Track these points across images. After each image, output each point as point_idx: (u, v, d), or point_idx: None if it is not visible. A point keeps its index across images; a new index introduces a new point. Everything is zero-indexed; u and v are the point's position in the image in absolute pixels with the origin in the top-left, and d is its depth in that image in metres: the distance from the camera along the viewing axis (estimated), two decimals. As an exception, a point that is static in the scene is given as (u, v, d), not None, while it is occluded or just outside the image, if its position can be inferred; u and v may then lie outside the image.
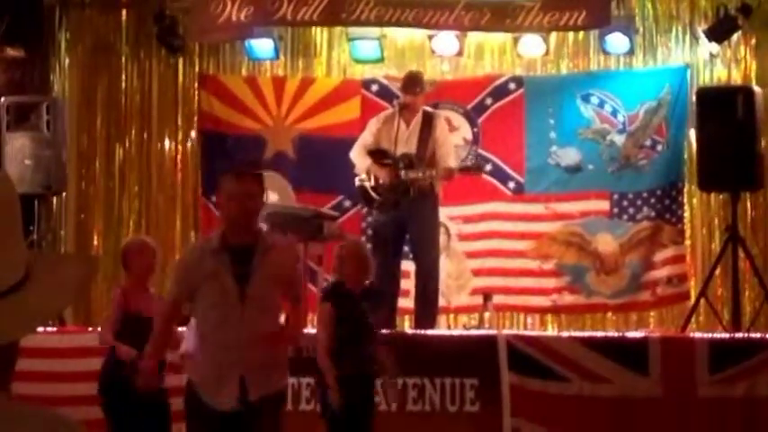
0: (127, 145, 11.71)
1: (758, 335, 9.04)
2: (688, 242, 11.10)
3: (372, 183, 9.54)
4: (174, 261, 11.20)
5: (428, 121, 9.59)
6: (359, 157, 9.64)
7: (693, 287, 10.82)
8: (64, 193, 11.30)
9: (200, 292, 6.04)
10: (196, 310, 6.25)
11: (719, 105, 9.99)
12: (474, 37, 11.40)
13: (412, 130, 9.54)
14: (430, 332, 9.12)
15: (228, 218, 6.11)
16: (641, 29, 11.30)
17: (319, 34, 11.70)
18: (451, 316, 10.99)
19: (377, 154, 9.51)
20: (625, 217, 11.08)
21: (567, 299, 11.04)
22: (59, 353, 8.62)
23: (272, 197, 9.74)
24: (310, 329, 7.70)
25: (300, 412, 8.27)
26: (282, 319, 6.42)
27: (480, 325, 10.08)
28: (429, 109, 9.85)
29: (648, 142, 11.14)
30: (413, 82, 9.76)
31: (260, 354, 5.97)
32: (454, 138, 10.57)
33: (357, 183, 9.66)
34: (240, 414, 5.98)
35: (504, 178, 11.28)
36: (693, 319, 10.19)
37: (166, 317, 6.40)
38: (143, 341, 6.91)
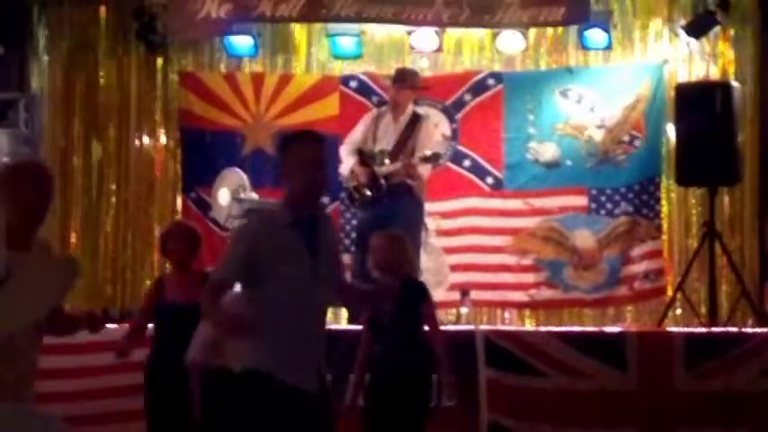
0: (105, 142, 11.65)
1: (735, 329, 9.08)
2: (665, 237, 11.13)
3: (354, 183, 9.60)
4: (153, 258, 11.24)
5: (415, 122, 9.70)
6: (345, 156, 9.76)
7: (670, 282, 10.84)
8: (42, 191, 11.23)
9: (267, 270, 5.26)
10: (253, 292, 5.35)
11: (698, 100, 10.00)
12: (453, 33, 11.41)
13: (397, 126, 9.66)
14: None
15: (302, 187, 5.40)
16: (620, 24, 11.32)
17: (298, 31, 11.67)
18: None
19: (361, 153, 9.59)
20: (603, 212, 11.10)
21: (545, 294, 11.05)
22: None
23: (224, 193, 9.76)
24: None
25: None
26: None
27: (458, 320, 10.08)
28: (420, 111, 10.00)
29: (626, 137, 11.15)
30: (400, 75, 9.93)
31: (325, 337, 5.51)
32: (436, 134, 10.54)
33: (343, 187, 9.80)
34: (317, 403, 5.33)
35: (482, 174, 11.29)
36: (670, 314, 10.23)
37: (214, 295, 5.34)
38: (178, 330, 6.90)
